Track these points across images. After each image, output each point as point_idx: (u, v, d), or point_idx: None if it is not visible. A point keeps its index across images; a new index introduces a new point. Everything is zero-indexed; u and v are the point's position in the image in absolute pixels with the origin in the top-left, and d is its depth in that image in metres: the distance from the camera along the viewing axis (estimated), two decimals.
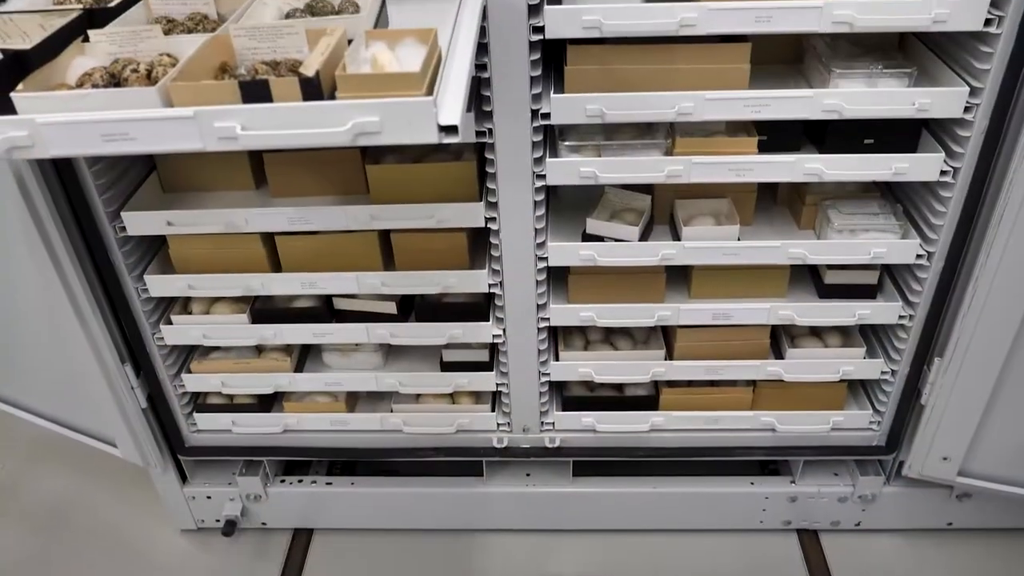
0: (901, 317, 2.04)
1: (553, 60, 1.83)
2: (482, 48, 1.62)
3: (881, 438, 2.26)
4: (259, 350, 2.23)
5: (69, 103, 1.21)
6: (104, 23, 1.43)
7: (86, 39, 1.38)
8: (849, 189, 2.07)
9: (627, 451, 2.30)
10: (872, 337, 2.23)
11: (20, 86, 1.23)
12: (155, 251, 2.11)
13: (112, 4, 1.50)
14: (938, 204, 1.87)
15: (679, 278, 2.12)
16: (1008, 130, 1.72)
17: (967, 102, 1.71)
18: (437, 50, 1.24)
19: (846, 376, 2.14)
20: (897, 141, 1.85)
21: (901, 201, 2.04)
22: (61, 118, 1.18)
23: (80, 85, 1.28)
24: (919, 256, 1.93)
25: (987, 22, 1.62)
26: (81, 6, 1.51)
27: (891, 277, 2.11)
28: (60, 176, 1.84)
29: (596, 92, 1.72)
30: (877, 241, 1.93)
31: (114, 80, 1.29)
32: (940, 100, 1.72)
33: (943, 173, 1.81)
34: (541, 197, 1.87)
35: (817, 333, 2.20)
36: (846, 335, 2.18)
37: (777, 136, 1.85)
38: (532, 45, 1.65)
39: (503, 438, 2.28)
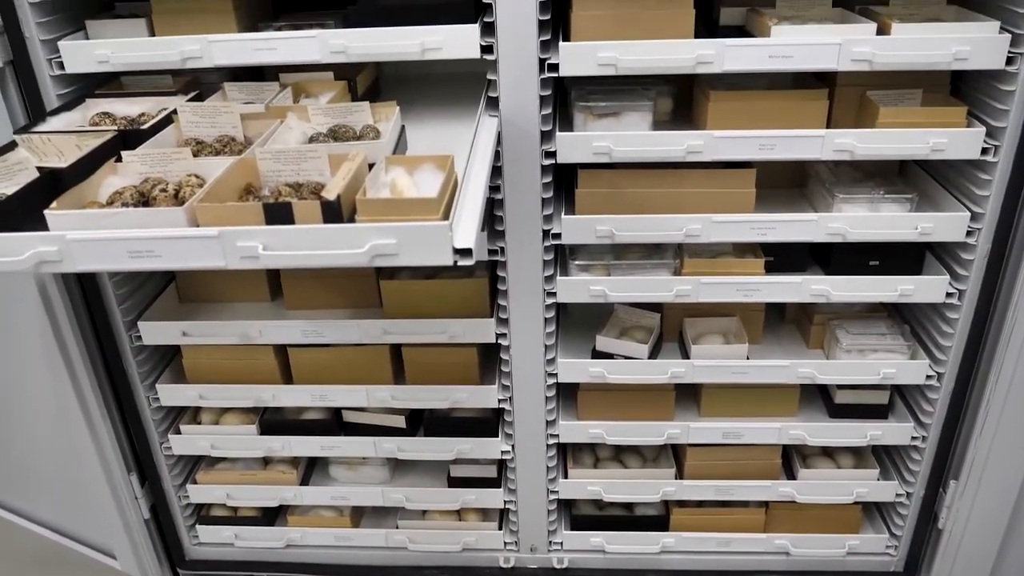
0: (914, 438, 2.02)
1: (564, 181, 1.90)
2: (496, 170, 1.68)
3: (899, 563, 2.20)
4: (266, 462, 2.22)
5: (99, 220, 1.25)
6: (137, 143, 1.50)
7: (119, 159, 1.45)
8: (856, 309, 2.09)
9: (637, 573, 2.24)
10: (885, 458, 2.20)
11: (54, 204, 1.28)
12: (168, 360, 2.13)
13: (145, 126, 1.57)
14: (945, 325, 1.88)
15: (689, 396, 2.12)
16: (1011, 254, 1.76)
17: (968, 227, 1.76)
18: (454, 176, 1.29)
19: (860, 498, 2.10)
20: (902, 263, 1.88)
21: (908, 321, 2.06)
22: (90, 235, 1.23)
23: (111, 203, 1.34)
24: (929, 377, 1.93)
25: (984, 151, 1.68)
26: (116, 127, 1.59)
27: (902, 397, 2.10)
28: (82, 284, 1.89)
29: (606, 214, 1.77)
30: (886, 362, 1.93)
31: (143, 199, 1.34)
32: (942, 225, 1.76)
33: (949, 295, 1.84)
34: (551, 314, 1.90)
35: (829, 453, 2.18)
36: (859, 456, 2.16)
37: (784, 257, 1.89)
38: (544, 169, 1.71)
39: (510, 558, 2.23)
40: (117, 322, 1.94)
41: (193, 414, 2.17)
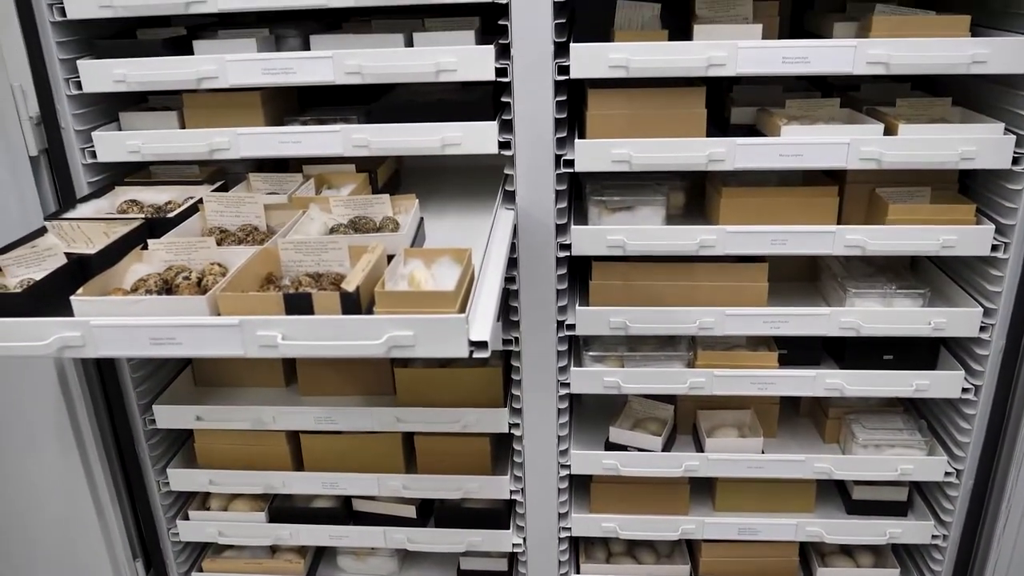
0: (934, 537, 1.98)
1: (579, 273, 1.93)
2: (512, 262, 1.71)
3: None
4: (273, 550, 2.18)
5: (123, 307, 1.28)
6: (163, 231, 1.54)
7: (145, 247, 1.49)
8: (872, 403, 2.07)
9: None
10: (906, 556, 2.15)
11: (80, 290, 1.31)
12: (180, 444, 2.13)
13: (172, 214, 1.62)
14: (963, 421, 1.87)
15: (703, 490, 2.09)
16: None
17: (982, 322, 1.76)
18: (471, 269, 1.31)
19: None
20: (916, 358, 1.88)
21: (925, 416, 2.04)
22: (113, 321, 1.25)
23: (135, 290, 1.36)
24: (948, 474, 1.90)
25: (994, 247, 1.70)
26: (143, 215, 1.63)
27: (921, 494, 2.06)
28: (99, 366, 1.91)
29: (620, 306, 1.79)
30: (904, 458, 1.91)
31: (167, 286, 1.37)
32: (955, 320, 1.77)
33: (965, 391, 1.83)
34: (565, 405, 1.89)
35: (848, 551, 2.12)
36: (878, 554, 2.10)
37: (797, 350, 1.89)
38: (559, 261, 1.74)
39: None
40: (132, 405, 1.95)
41: (202, 499, 2.15)
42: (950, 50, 1.56)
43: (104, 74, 1.69)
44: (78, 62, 1.70)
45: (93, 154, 1.77)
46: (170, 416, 1.96)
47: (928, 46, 1.56)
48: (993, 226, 1.70)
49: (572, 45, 1.57)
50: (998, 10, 1.69)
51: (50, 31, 1.68)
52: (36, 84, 1.73)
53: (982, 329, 1.77)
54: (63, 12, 1.66)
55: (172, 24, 1.86)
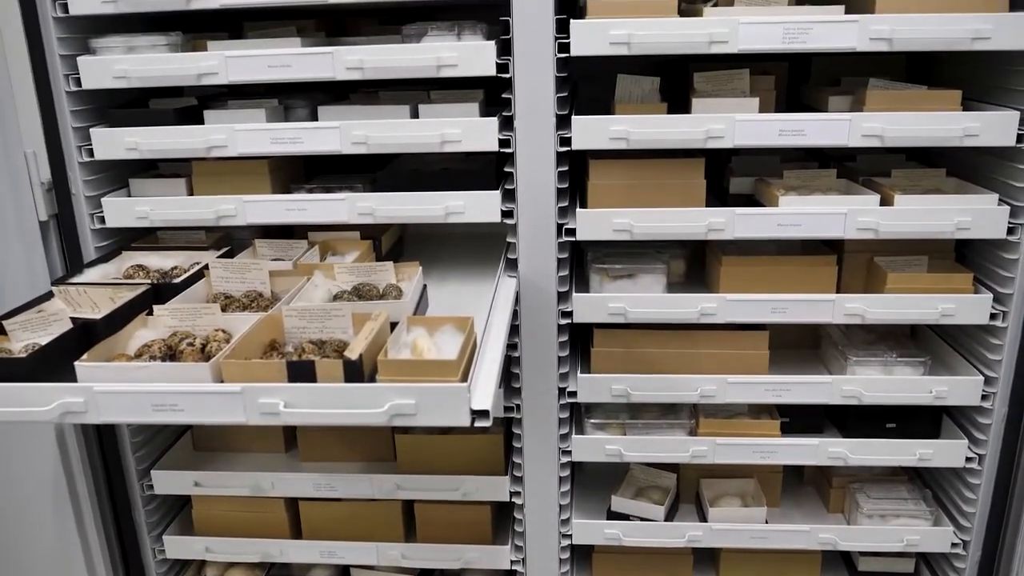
0: None
1: (580, 339, 1.93)
2: (513, 329, 1.72)
3: None
4: None
5: (126, 373, 1.29)
6: (168, 296, 1.55)
7: (150, 312, 1.50)
8: (876, 471, 2.06)
9: None
10: None
11: (85, 356, 1.32)
12: (178, 511, 2.11)
13: (177, 280, 1.64)
14: (968, 491, 1.85)
15: (707, 560, 2.06)
16: None
17: (983, 390, 1.76)
18: (473, 337, 1.32)
19: None
20: (919, 426, 1.87)
21: (930, 485, 2.02)
22: (116, 387, 1.26)
23: (139, 355, 1.37)
24: (955, 545, 1.88)
25: (992, 316, 1.71)
26: (149, 281, 1.65)
27: (928, 565, 2.03)
28: (99, 430, 1.91)
29: (621, 373, 1.79)
30: (909, 528, 1.88)
31: (171, 352, 1.38)
32: (957, 388, 1.77)
33: (969, 459, 1.81)
34: (566, 473, 1.88)
35: None
36: None
37: (799, 418, 1.89)
38: (560, 328, 1.75)
39: None
40: (130, 470, 1.94)
41: (198, 567, 2.11)
42: (942, 124, 1.60)
43: (116, 142, 1.73)
44: (91, 130, 1.74)
45: (102, 219, 1.80)
46: (168, 481, 1.95)
47: (921, 120, 1.60)
48: (991, 295, 1.71)
49: (574, 118, 1.61)
50: (987, 84, 1.73)
51: (65, 100, 1.72)
52: (49, 151, 1.77)
53: (984, 397, 1.77)
54: (79, 82, 1.70)
55: (184, 94, 1.91)
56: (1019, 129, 1.60)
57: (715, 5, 1.66)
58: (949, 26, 1.54)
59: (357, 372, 1.21)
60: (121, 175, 1.88)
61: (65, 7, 1.67)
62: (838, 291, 1.77)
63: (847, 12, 1.57)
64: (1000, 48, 1.54)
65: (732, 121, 1.60)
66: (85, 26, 1.74)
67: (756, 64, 1.77)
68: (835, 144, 1.62)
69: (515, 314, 1.71)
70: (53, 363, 1.33)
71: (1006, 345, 1.72)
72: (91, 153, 1.75)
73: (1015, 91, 1.64)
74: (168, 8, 1.64)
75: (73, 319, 1.46)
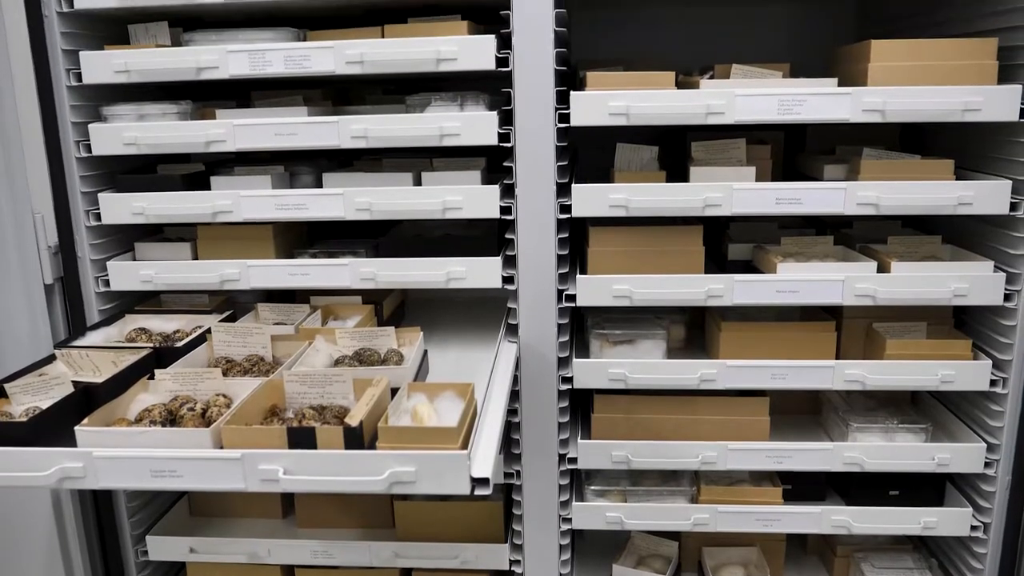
0: None
1: (580, 405, 1.93)
2: (514, 394, 1.72)
3: None
4: None
5: (126, 439, 1.28)
6: (170, 360, 1.56)
7: (152, 376, 1.50)
8: (881, 540, 2.03)
9: None
10: None
11: (85, 420, 1.32)
12: None
13: (179, 344, 1.64)
14: (974, 560, 1.82)
15: None
16: None
17: (986, 457, 1.75)
18: (473, 404, 1.33)
19: None
20: (923, 494, 1.86)
21: (935, 554, 1.99)
22: (115, 453, 1.26)
23: (139, 420, 1.37)
24: None
25: (993, 382, 1.71)
26: (151, 344, 1.66)
27: None
28: (95, 494, 1.89)
29: (622, 439, 1.79)
30: None
31: (171, 417, 1.38)
32: (960, 455, 1.76)
33: (974, 528, 1.79)
34: (567, 541, 1.86)
35: None
36: None
37: (802, 485, 1.87)
38: (561, 394, 1.75)
39: None
40: (125, 535, 1.92)
41: None
42: (936, 192, 1.63)
43: (123, 207, 1.76)
44: (99, 195, 1.77)
45: (107, 282, 1.82)
46: (163, 548, 1.92)
47: (915, 189, 1.63)
48: (990, 361, 1.72)
49: (574, 186, 1.64)
50: (979, 153, 1.77)
51: (75, 165, 1.76)
52: (57, 215, 1.79)
53: (987, 465, 1.76)
54: (89, 148, 1.74)
55: (192, 159, 1.95)
56: (1012, 198, 1.62)
57: (711, 77, 1.71)
58: (940, 98, 1.58)
59: (357, 439, 1.21)
60: (127, 239, 1.90)
61: (79, 76, 1.71)
62: (837, 357, 1.78)
63: (840, 84, 1.61)
64: (990, 119, 1.58)
65: (730, 190, 1.63)
66: (97, 94, 1.79)
67: (752, 133, 1.81)
68: (831, 213, 1.65)
69: (515, 379, 1.71)
70: (53, 427, 1.33)
71: (1007, 412, 1.72)
72: (98, 217, 1.78)
73: (1007, 160, 1.67)
74: (179, 79, 1.68)
75: (75, 383, 1.47)
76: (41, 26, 1.69)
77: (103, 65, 1.69)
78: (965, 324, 1.87)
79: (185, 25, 1.80)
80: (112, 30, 1.84)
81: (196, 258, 1.84)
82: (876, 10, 2.27)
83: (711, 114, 1.59)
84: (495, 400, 1.38)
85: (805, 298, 1.68)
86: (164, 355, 1.60)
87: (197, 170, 1.87)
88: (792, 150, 2.06)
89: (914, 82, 1.59)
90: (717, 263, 1.91)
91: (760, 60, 1.72)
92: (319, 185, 1.80)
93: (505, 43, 1.62)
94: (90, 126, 1.73)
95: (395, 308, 1.95)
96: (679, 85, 1.65)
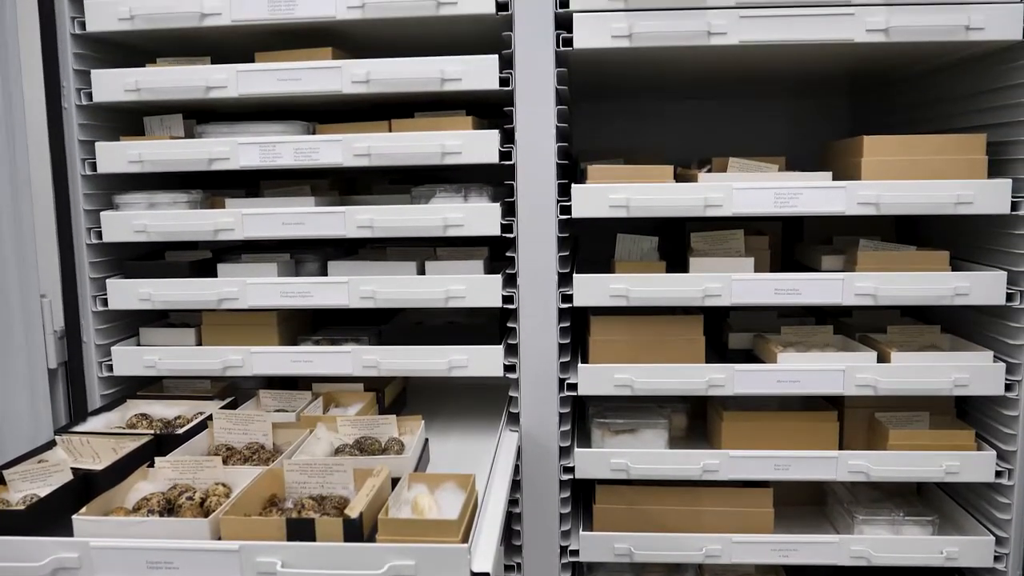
0: None
1: (582, 495, 1.91)
2: (515, 484, 1.71)
3: None
4: None
5: (124, 528, 1.27)
6: (171, 447, 1.55)
7: (151, 464, 1.50)
8: None
9: None
10: None
11: (83, 509, 1.31)
12: None
13: (180, 430, 1.64)
14: None
15: None
16: None
17: (995, 551, 1.72)
18: (474, 495, 1.32)
19: None
20: None
21: None
22: (112, 543, 1.24)
23: (138, 509, 1.36)
24: None
25: (998, 473, 1.69)
26: (152, 431, 1.66)
27: None
28: None
29: (624, 531, 1.76)
30: None
31: (169, 506, 1.37)
32: (968, 549, 1.73)
33: None
34: None
35: None
36: None
37: None
38: (562, 484, 1.74)
39: None
40: None
41: None
42: (933, 284, 1.66)
43: (130, 293, 1.78)
44: (107, 281, 1.80)
45: (110, 367, 1.83)
46: None
47: (912, 280, 1.66)
48: (994, 452, 1.71)
49: (575, 276, 1.66)
50: (974, 244, 1.80)
51: (85, 252, 1.79)
52: (64, 299, 1.82)
53: (996, 559, 1.72)
54: (100, 235, 1.78)
55: (199, 245, 1.99)
56: (1008, 288, 1.65)
57: (709, 170, 1.75)
58: (933, 192, 1.62)
59: (357, 531, 1.20)
60: (132, 324, 1.92)
61: (94, 165, 1.76)
62: (840, 447, 1.77)
63: (835, 178, 1.65)
64: (982, 212, 1.62)
65: (729, 280, 1.65)
66: (110, 182, 1.83)
67: (751, 224, 1.85)
68: (830, 303, 1.67)
69: (516, 469, 1.70)
70: (51, 515, 1.32)
71: (1014, 504, 1.70)
72: (105, 303, 1.80)
73: (1001, 251, 1.70)
74: (191, 169, 1.73)
75: (74, 470, 1.46)
76: (60, 118, 1.75)
77: (118, 156, 1.74)
78: (967, 414, 1.86)
79: (199, 117, 1.86)
80: (128, 121, 1.91)
81: (200, 343, 1.86)
82: (867, 105, 2.35)
83: (709, 206, 1.63)
84: (496, 491, 1.37)
85: (806, 388, 1.68)
86: (165, 442, 1.59)
87: (204, 257, 1.90)
88: (790, 240, 2.09)
89: (906, 176, 1.63)
90: (718, 351, 1.92)
91: (756, 152, 1.77)
92: (324, 272, 1.82)
93: (508, 137, 1.68)
94: (102, 214, 1.77)
95: (397, 395, 1.95)
96: (678, 178, 1.69)
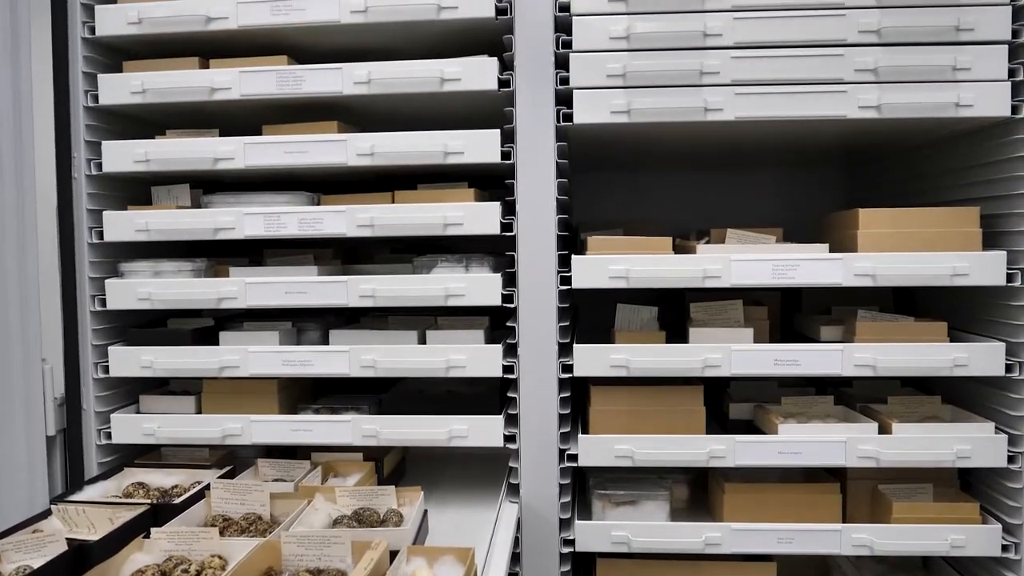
0: None
1: (583, 567, 1.88)
2: (515, 557, 1.68)
3: None
4: None
5: None
6: (168, 517, 1.54)
7: (147, 535, 1.48)
8: None
9: None
10: None
11: None
12: None
13: (177, 500, 1.63)
14: None
15: None
16: None
17: None
18: (474, 570, 1.30)
19: None
20: None
21: None
22: None
23: None
24: None
25: (1004, 547, 1.67)
26: (148, 501, 1.64)
27: None
28: None
29: None
30: None
31: None
32: None
33: None
34: None
35: None
36: None
37: None
38: (563, 557, 1.71)
39: None
40: None
41: None
42: (932, 355, 1.66)
43: (132, 361, 1.79)
44: (109, 348, 1.80)
45: (108, 435, 1.82)
46: None
47: (911, 351, 1.67)
48: (1000, 526, 1.69)
49: (575, 346, 1.67)
50: (971, 315, 1.81)
51: (89, 319, 1.80)
52: (66, 366, 1.82)
53: None
54: (104, 303, 1.79)
55: (202, 313, 2.00)
56: (1007, 359, 1.65)
57: (707, 241, 1.78)
58: (929, 264, 1.64)
59: None
60: (132, 391, 1.92)
61: (101, 234, 1.79)
62: (844, 519, 1.75)
63: (831, 250, 1.67)
64: (978, 284, 1.64)
65: (728, 351, 1.66)
66: (116, 250, 1.86)
67: (749, 293, 1.86)
68: (829, 374, 1.67)
69: (516, 541, 1.68)
70: None
71: None
72: (106, 370, 1.81)
73: (999, 322, 1.71)
74: (196, 238, 1.76)
75: (69, 540, 1.44)
76: (69, 188, 1.79)
77: (125, 225, 1.77)
78: (971, 484, 1.84)
79: (206, 186, 1.90)
80: (134, 189, 1.94)
81: (200, 411, 1.85)
82: (863, 176, 2.39)
83: (708, 277, 1.65)
84: (495, 565, 1.36)
85: (808, 460, 1.67)
86: (161, 512, 1.58)
87: (207, 324, 1.91)
88: (789, 309, 2.10)
89: (902, 248, 1.66)
90: (719, 421, 1.91)
91: (754, 222, 1.80)
92: (325, 341, 1.83)
93: (510, 208, 1.71)
94: (107, 282, 1.79)
95: (396, 464, 1.94)
96: (676, 249, 1.72)
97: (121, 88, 1.77)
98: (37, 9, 1.78)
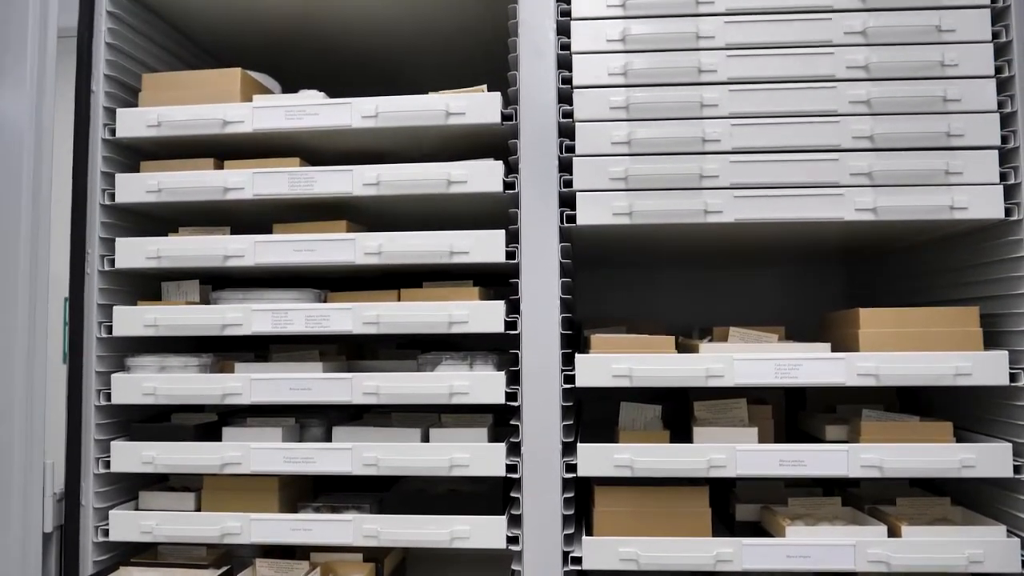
0: None
1: None
2: None
3: None
4: None
5: None
6: None
7: None
8: None
9: None
10: None
11: None
12: None
13: None
14: None
15: None
16: None
17: None
18: None
19: None
20: None
21: None
22: None
23: None
24: None
25: None
26: None
27: None
28: None
29: None
30: None
31: None
32: None
33: None
34: None
35: None
36: None
37: None
38: None
39: None
40: None
41: None
42: (939, 455, 1.65)
43: (134, 456, 1.78)
44: (111, 443, 1.80)
45: (106, 532, 1.80)
46: None
47: (917, 452, 1.65)
48: None
49: (579, 445, 1.66)
50: (977, 414, 1.80)
51: (92, 414, 1.80)
52: (68, 461, 1.80)
53: None
54: (108, 398, 1.79)
55: (206, 409, 2.00)
56: (1015, 460, 1.63)
57: (710, 340, 1.79)
58: (931, 364, 1.64)
59: None
60: (132, 487, 1.90)
61: (109, 328, 1.81)
62: None
63: (833, 349, 1.68)
64: (981, 384, 1.63)
65: (733, 451, 1.65)
66: (123, 344, 1.87)
67: (753, 392, 1.86)
68: (835, 475, 1.65)
69: None
70: None
71: None
72: (108, 465, 1.79)
73: (1004, 422, 1.70)
74: (204, 334, 1.77)
75: None
76: (81, 283, 1.81)
77: (135, 320, 1.79)
78: None
79: (215, 281, 1.93)
80: (144, 284, 1.97)
81: (199, 508, 1.83)
82: (863, 274, 2.42)
83: (711, 377, 1.65)
84: None
85: (816, 563, 1.64)
86: None
87: (210, 420, 1.91)
88: (793, 407, 2.10)
89: (903, 347, 1.66)
90: (725, 523, 1.88)
91: (755, 320, 1.81)
92: (328, 437, 1.82)
93: (514, 307, 1.73)
94: (113, 376, 1.80)
95: (396, 565, 1.90)
96: (679, 348, 1.73)
97: (137, 187, 1.82)
98: (60, 111, 1.85)
